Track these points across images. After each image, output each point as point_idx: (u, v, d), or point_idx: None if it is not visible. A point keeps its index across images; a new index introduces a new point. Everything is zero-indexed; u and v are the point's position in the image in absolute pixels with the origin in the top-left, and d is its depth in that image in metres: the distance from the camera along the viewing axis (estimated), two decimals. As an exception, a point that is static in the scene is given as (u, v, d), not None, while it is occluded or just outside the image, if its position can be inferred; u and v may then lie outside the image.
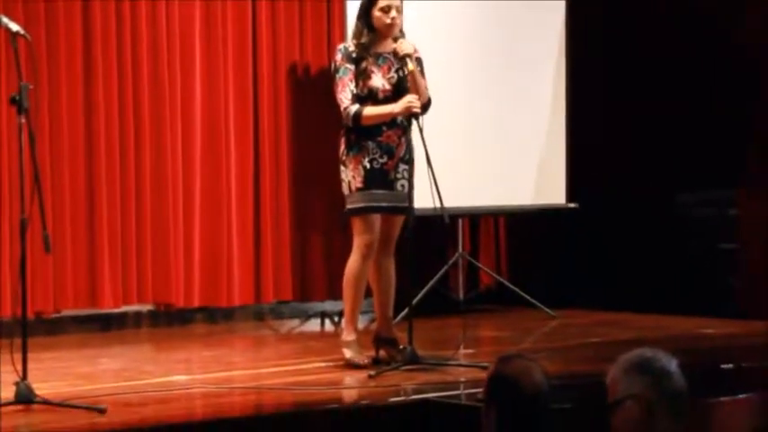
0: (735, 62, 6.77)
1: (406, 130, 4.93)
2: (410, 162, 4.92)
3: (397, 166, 4.93)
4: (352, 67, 4.89)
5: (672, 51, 6.99)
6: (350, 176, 4.91)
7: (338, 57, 4.93)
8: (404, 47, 4.90)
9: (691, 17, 6.93)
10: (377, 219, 4.93)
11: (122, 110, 6.24)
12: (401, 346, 4.90)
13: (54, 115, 6.05)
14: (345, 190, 4.95)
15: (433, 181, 4.64)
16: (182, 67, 6.40)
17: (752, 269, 6.40)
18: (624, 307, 6.59)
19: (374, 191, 4.89)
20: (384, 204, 4.91)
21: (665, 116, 7.04)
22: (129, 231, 6.23)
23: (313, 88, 6.68)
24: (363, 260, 4.93)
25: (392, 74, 4.94)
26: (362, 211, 4.91)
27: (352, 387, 4.59)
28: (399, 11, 4.91)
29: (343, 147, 4.96)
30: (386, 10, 4.89)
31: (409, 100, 4.84)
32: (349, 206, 4.94)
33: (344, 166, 4.94)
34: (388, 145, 4.91)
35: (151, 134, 6.31)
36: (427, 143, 4.66)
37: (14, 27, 4.12)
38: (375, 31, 4.92)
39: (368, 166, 4.89)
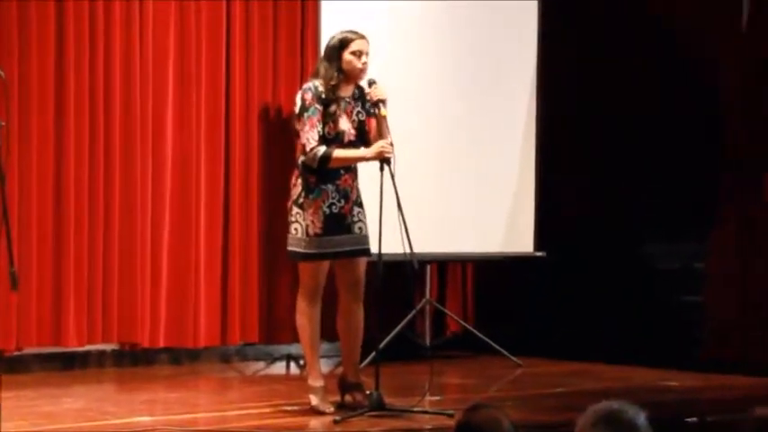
0: (705, 117, 6.86)
1: (356, 173, 4.96)
2: (362, 205, 4.95)
3: (352, 210, 4.94)
4: (320, 107, 4.89)
5: (646, 102, 7.07)
6: (308, 221, 4.89)
7: (308, 96, 4.91)
8: (378, 92, 4.93)
9: (666, 71, 7.03)
10: (327, 265, 4.92)
11: (92, 148, 6.21)
12: (367, 392, 4.88)
13: (23, 151, 6.00)
14: (299, 233, 4.90)
15: (403, 227, 4.65)
16: (154, 105, 6.39)
17: (716, 322, 6.44)
18: (589, 357, 6.61)
19: (332, 237, 4.88)
20: (343, 249, 4.91)
21: (633, 168, 7.11)
22: (96, 269, 6.19)
23: (284, 131, 6.68)
24: (313, 303, 4.94)
25: (354, 117, 4.97)
26: (315, 258, 4.88)
27: (317, 432, 4.57)
28: (368, 55, 4.94)
29: (300, 189, 4.92)
30: (357, 54, 4.91)
31: (382, 145, 4.86)
32: (301, 251, 4.90)
33: (301, 209, 4.90)
34: (344, 189, 4.92)
35: (121, 173, 6.28)
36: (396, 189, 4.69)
37: None
38: (344, 74, 4.93)
39: (327, 211, 4.89)
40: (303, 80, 6.72)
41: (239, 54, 6.63)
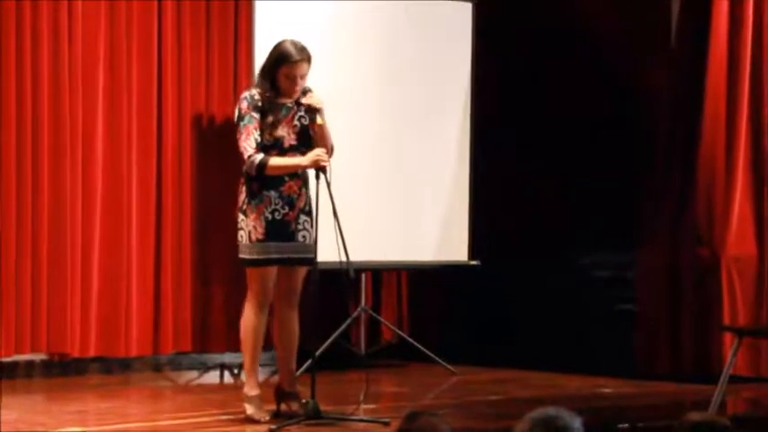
0: (636, 126, 6.96)
1: (306, 181, 4.94)
2: (310, 213, 4.92)
3: (297, 217, 4.92)
4: (257, 116, 4.87)
5: (576, 108, 7.15)
6: (250, 227, 4.87)
7: (244, 105, 4.89)
8: (313, 100, 4.92)
9: (593, 78, 7.12)
10: (273, 271, 4.90)
11: (20, 154, 6.10)
12: (303, 400, 4.86)
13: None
14: (244, 240, 4.89)
15: (339, 235, 4.65)
16: (84, 112, 6.30)
17: (648, 330, 6.52)
18: (524, 365, 6.65)
19: (274, 243, 4.86)
20: (285, 256, 4.89)
21: (566, 178, 7.19)
22: (24, 277, 6.08)
23: (218, 138, 6.65)
24: (259, 311, 4.90)
25: (296, 122, 4.94)
26: (260, 263, 4.87)
27: (252, 441, 4.54)
28: (303, 77, 4.89)
29: (243, 196, 4.91)
30: (290, 77, 4.88)
31: (317, 153, 4.85)
32: (247, 257, 4.89)
33: (245, 215, 4.89)
34: (289, 196, 4.90)
35: (49, 181, 6.19)
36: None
37: None
38: (276, 89, 4.91)
39: (269, 217, 4.87)
40: (237, 85, 6.72)
41: (171, 59, 6.57)
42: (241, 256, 4.93)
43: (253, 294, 4.92)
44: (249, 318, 4.92)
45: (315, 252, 4.85)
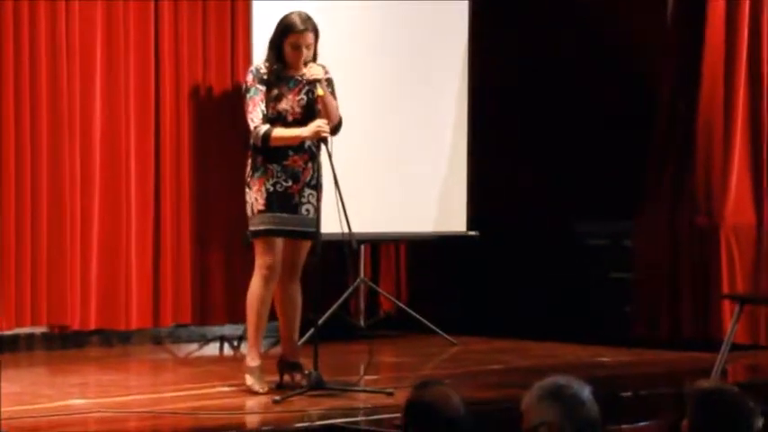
0: (632, 93, 6.96)
1: (314, 155, 4.93)
2: (317, 188, 4.92)
3: (302, 191, 4.91)
4: (263, 88, 4.87)
5: (573, 80, 7.14)
6: (253, 198, 4.89)
7: (249, 78, 4.92)
8: (313, 71, 4.91)
9: (593, 47, 7.10)
10: (279, 242, 4.91)
11: (18, 129, 6.08)
12: (306, 371, 4.88)
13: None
14: (248, 212, 4.92)
15: (341, 206, 4.65)
16: (81, 86, 6.27)
17: (645, 298, 6.55)
18: (522, 334, 6.68)
19: (276, 214, 4.87)
20: (287, 228, 4.89)
21: (563, 147, 7.19)
22: (24, 251, 6.08)
23: (216, 109, 6.64)
24: (265, 283, 4.90)
25: (302, 96, 4.94)
26: (264, 234, 4.88)
27: (256, 412, 4.56)
28: (309, 47, 4.90)
29: (248, 168, 4.94)
30: (295, 46, 4.88)
31: (318, 124, 4.85)
32: (251, 228, 4.92)
33: (249, 187, 4.91)
34: (293, 169, 4.89)
35: (48, 153, 6.17)
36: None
37: None
38: (284, 60, 4.91)
39: (271, 188, 4.87)
40: (234, 62, 6.69)
41: (168, 36, 6.53)
42: (249, 228, 4.95)
43: (258, 265, 4.93)
44: (254, 289, 4.93)
45: (318, 226, 4.84)
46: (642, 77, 6.88)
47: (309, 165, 4.92)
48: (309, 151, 4.92)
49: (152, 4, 6.48)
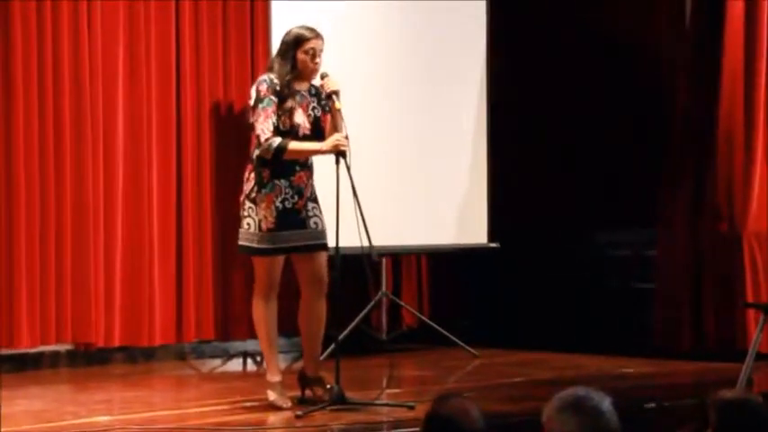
0: (652, 100, 6.94)
1: (312, 171, 4.95)
2: (317, 200, 4.95)
3: (306, 205, 4.92)
4: (276, 99, 4.86)
5: (592, 93, 7.14)
6: (261, 216, 4.85)
7: (263, 87, 4.88)
8: (331, 84, 4.92)
9: (612, 55, 7.10)
10: (281, 260, 4.90)
11: (42, 147, 6.13)
12: (328, 386, 4.88)
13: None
14: (252, 228, 4.86)
15: (361, 220, 4.65)
16: (104, 103, 6.32)
17: (668, 308, 6.51)
18: (544, 346, 6.66)
19: (286, 232, 4.86)
20: (300, 244, 4.89)
21: (586, 156, 7.17)
22: (49, 269, 6.12)
23: (236, 125, 6.66)
24: (266, 301, 4.92)
25: (310, 111, 4.95)
26: (269, 253, 4.86)
27: (279, 427, 4.56)
28: (320, 53, 4.92)
29: (253, 184, 4.89)
30: (311, 53, 4.89)
31: (337, 139, 4.85)
32: (255, 245, 4.87)
33: (254, 204, 4.86)
34: (298, 186, 4.90)
35: (71, 172, 6.21)
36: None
37: None
38: (297, 72, 4.92)
39: (280, 206, 4.86)
40: (255, 76, 6.71)
41: (189, 50, 6.58)
42: (244, 243, 4.90)
43: (260, 284, 4.93)
44: (258, 308, 4.94)
45: (336, 240, 4.84)
46: (661, 85, 6.86)
47: (310, 181, 4.95)
48: (311, 168, 4.95)
49: (173, 17, 6.51)
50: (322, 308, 4.98)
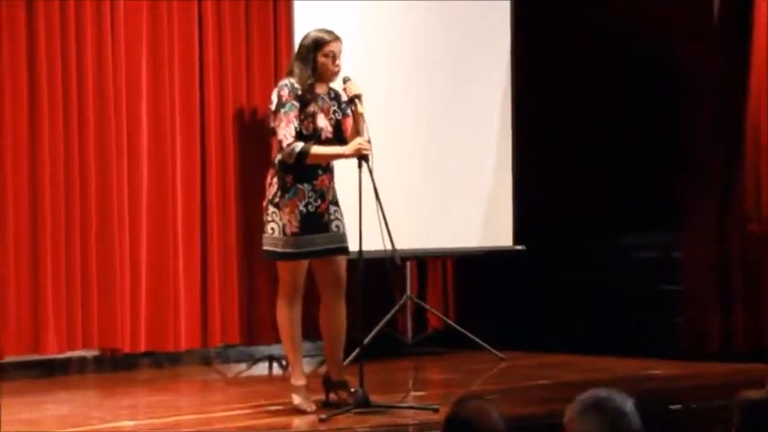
0: (677, 108, 6.90)
1: (333, 175, 4.95)
2: (338, 203, 4.95)
3: (328, 209, 4.93)
4: (298, 104, 4.87)
5: (619, 96, 7.10)
6: (285, 220, 4.86)
7: (285, 92, 4.88)
8: (353, 88, 4.93)
9: (638, 55, 7.06)
10: (305, 264, 4.91)
11: (67, 152, 6.17)
12: (352, 389, 4.88)
13: (-3, 158, 5.98)
14: (276, 232, 4.87)
15: (384, 223, 4.65)
16: (128, 109, 6.35)
17: (695, 309, 6.47)
18: (570, 349, 6.63)
19: (309, 236, 4.86)
20: (322, 248, 4.89)
21: (611, 157, 7.14)
22: (74, 276, 6.15)
23: (260, 130, 6.67)
24: (291, 305, 4.92)
25: (331, 115, 4.96)
26: (293, 257, 4.86)
27: (303, 431, 4.56)
28: (340, 55, 4.92)
29: (276, 188, 4.89)
30: (331, 56, 4.89)
31: (360, 142, 4.86)
32: (279, 250, 4.87)
33: (278, 208, 4.87)
34: (321, 189, 4.91)
35: (96, 177, 6.24)
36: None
37: None
38: (317, 75, 4.92)
39: (304, 210, 4.86)
40: (278, 75, 6.72)
41: (212, 55, 6.60)
42: (269, 248, 4.91)
43: (284, 288, 4.93)
44: (282, 312, 4.95)
45: (360, 243, 4.84)
46: (687, 85, 6.82)
47: (331, 184, 4.96)
48: (332, 171, 4.95)
49: (195, 17, 6.52)
50: (342, 309, 4.99)
